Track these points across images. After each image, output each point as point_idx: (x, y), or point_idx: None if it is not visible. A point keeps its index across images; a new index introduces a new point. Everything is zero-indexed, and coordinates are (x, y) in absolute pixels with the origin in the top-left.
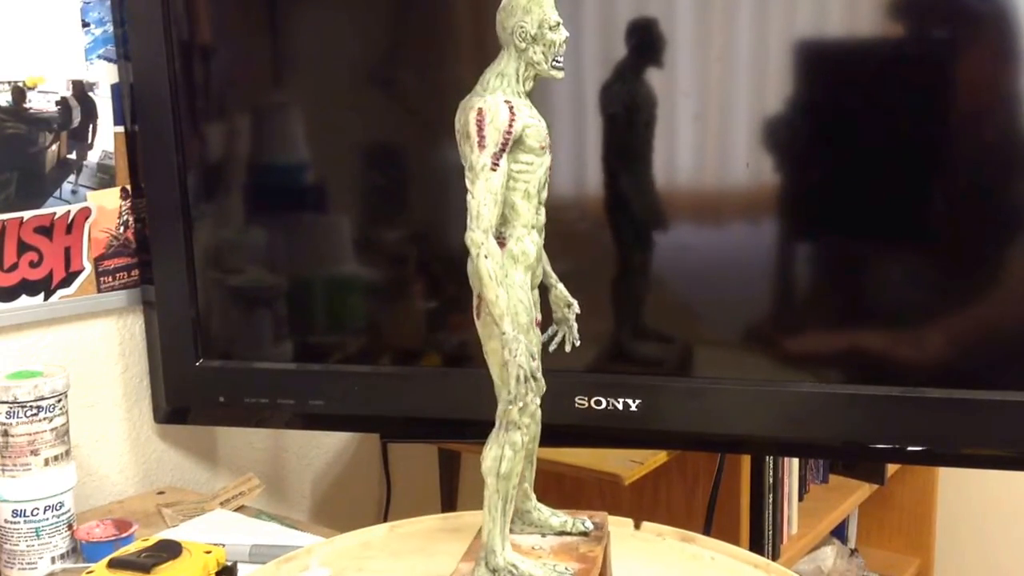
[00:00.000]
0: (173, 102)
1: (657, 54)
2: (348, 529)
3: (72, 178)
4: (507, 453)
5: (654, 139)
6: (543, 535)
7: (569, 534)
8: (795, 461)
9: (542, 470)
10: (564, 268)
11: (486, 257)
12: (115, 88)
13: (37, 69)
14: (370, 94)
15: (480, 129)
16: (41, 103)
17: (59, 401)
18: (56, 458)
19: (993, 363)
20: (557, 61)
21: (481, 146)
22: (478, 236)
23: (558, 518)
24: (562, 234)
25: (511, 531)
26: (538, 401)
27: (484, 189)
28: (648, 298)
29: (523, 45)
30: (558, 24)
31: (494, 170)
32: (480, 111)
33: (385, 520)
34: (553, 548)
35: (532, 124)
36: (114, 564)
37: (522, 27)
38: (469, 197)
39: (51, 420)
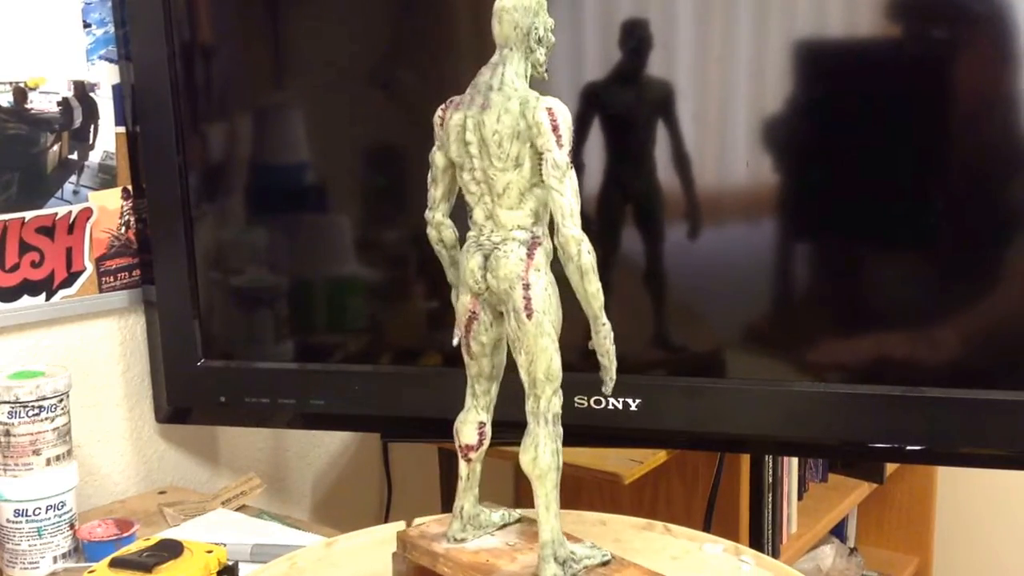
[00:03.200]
0: (174, 102)
1: (656, 54)
2: (349, 528)
3: (73, 178)
4: (559, 446)
5: (653, 139)
6: (492, 534)
7: (508, 525)
8: (794, 460)
9: None
10: (559, 271)
11: (588, 252)
12: (116, 88)
13: (38, 70)
14: (370, 94)
15: (556, 128)
16: (43, 104)
17: (61, 401)
18: (58, 458)
19: (993, 363)
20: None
21: (559, 144)
22: (578, 233)
23: (496, 513)
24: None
25: (466, 540)
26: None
27: (571, 187)
28: (648, 298)
29: (534, 46)
30: (554, 27)
31: (571, 168)
32: (551, 110)
33: (386, 520)
34: (521, 541)
35: None
36: (116, 563)
37: (536, 28)
38: (557, 195)
39: (53, 420)
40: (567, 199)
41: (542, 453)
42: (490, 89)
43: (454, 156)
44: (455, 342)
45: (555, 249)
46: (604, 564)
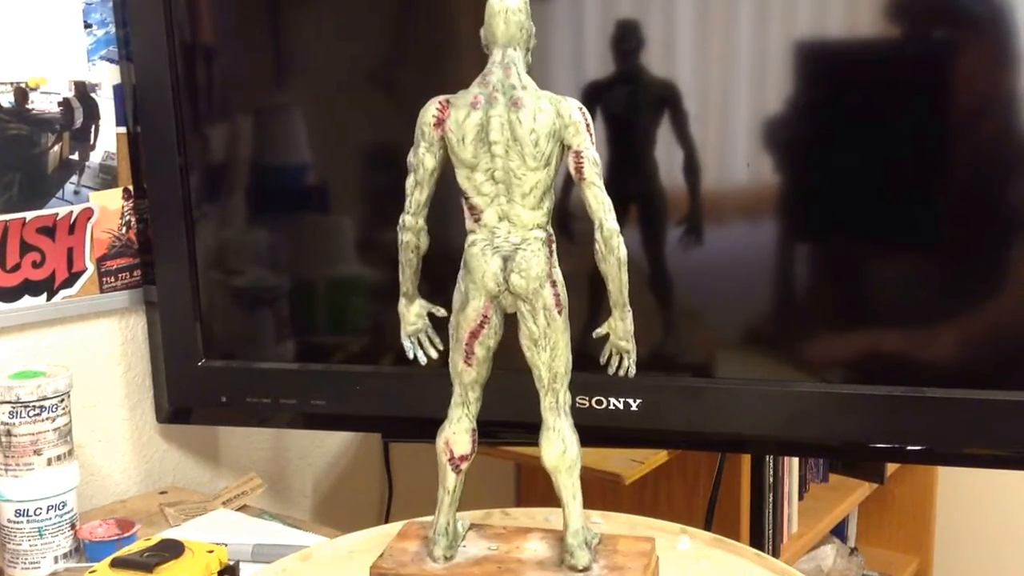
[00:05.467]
0: (175, 103)
1: (656, 55)
2: (350, 529)
3: (74, 179)
4: (577, 436)
5: (653, 140)
6: (463, 546)
7: (466, 532)
8: (795, 460)
9: (543, 469)
10: (565, 269)
11: (624, 244)
12: (117, 89)
13: (39, 70)
14: (371, 95)
15: (588, 126)
16: (43, 104)
17: (62, 401)
18: (59, 458)
19: (994, 363)
20: None
21: (592, 142)
22: (617, 227)
23: (461, 524)
24: (563, 235)
25: (453, 557)
26: None
27: (603, 184)
28: (649, 298)
29: (530, 46)
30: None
31: None
32: (582, 109)
33: (387, 521)
34: (501, 544)
35: None
36: (117, 563)
37: (532, 29)
38: (599, 191)
39: (54, 420)
40: (605, 195)
41: (570, 445)
42: (513, 88)
43: (468, 157)
44: (410, 354)
45: (552, 244)
46: (600, 541)
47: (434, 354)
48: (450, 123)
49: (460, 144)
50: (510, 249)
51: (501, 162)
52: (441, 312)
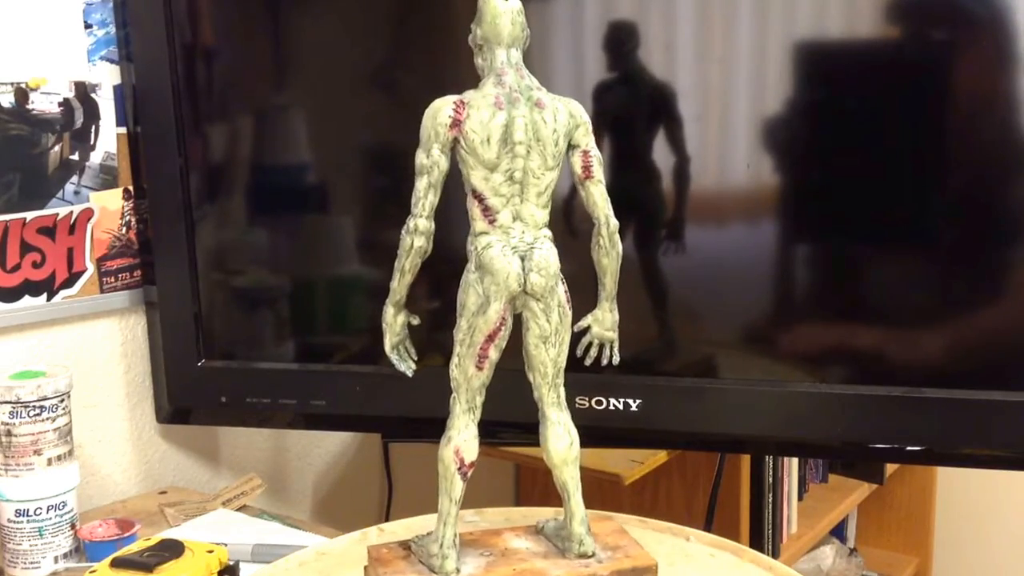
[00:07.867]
0: (175, 103)
1: (656, 55)
2: (350, 529)
3: (75, 179)
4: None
5: (652, 140)
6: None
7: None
8: (794, 461)
9: (542, 469)
10: (565, 269)
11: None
12: (117, 89)
13: (40, 70)
14: (372, 95)
15: (591, 127)
16: (44, 104)
17: (62, 401)
18: (59, 458)
19: (993, 363)
20: None
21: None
22: (617, 222)
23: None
24: (564, 235)
25: (459, 570)
26: None
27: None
28: (648, 299)
29: (524, 48)
30: None
31: None
32: (584, 110)
33: (387, 521)
34: (492, 552)
35: None
36: (117, 563)
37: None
38: (604, 189)
39: (54, 420)
40: (606, 193)
41: (575, 438)
42: (530, 89)
43: (492, 158)
44: (399, 367)
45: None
46: None
47: (413, 366)
48: (472, 124)
49: (484, 145)
50: (525, 248)
51: (522, 162)
52: (416, 321)
